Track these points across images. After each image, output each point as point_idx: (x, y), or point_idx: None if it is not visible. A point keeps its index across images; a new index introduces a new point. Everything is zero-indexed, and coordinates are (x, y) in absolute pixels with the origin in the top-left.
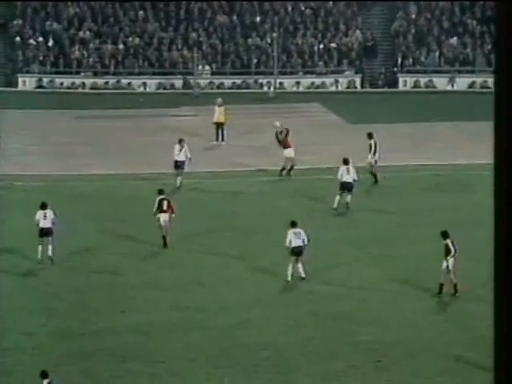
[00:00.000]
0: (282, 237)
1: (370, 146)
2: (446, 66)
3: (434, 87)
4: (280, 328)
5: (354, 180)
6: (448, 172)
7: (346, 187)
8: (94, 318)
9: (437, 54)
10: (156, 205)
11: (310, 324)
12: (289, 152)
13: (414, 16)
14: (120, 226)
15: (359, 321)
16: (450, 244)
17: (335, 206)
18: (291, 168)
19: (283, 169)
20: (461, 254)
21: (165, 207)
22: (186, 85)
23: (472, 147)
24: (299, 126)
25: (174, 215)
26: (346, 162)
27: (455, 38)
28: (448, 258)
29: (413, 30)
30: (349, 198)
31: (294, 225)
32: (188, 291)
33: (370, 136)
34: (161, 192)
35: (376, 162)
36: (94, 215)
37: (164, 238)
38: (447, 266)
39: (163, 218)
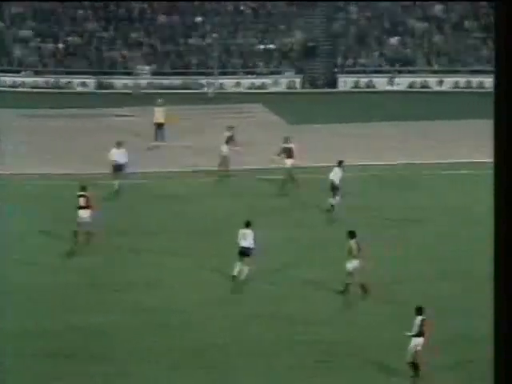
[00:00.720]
0: (230, 237)
1: (288, 149)
2: (387, 65)
3: (374, 87)
4: (225, 328)
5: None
6: (388, 172)
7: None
8: (43, 317)
9: (377, 54)
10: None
11: (254, 324)
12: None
13: (354, 16)
14: (60, 227)
15: (302, 321)
16: (356, 244)
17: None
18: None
19: None
20: (391, 253)
21: (82, 203)
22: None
23: (412, 147)
24: (240, 127)
25: (92, 211)
26: (339, 163)
27: (396, 38)
28: (353, 257)
29: (353, 31)
30: (336, 199)
31: (246, 225)
32: (137, 292)
33: (286, 140)
34: (82, 189)
35: (293, 165)
36: (32, 215)
37: (75, 232)
38: (352, 267)
39: (80, 214)
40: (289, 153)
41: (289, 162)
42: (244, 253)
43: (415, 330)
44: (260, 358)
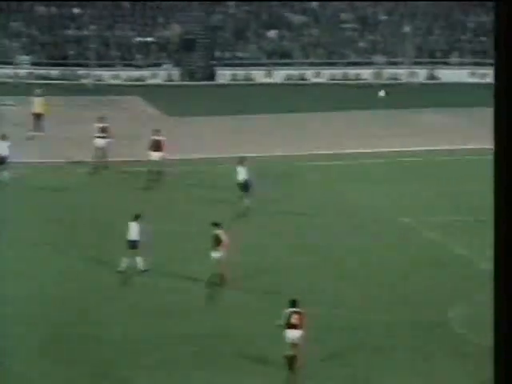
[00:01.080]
0: (114, 229)
1: (157, 142)
2: (264, 58)
3: (252, 80)
4: (104, 321)
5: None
6: (267, 163)
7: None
8: None
9: (255, 47)
10: None
11: (134, 317)
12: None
13: (232, 10)
14: None
15: (178, 314)
16: (221, 235)
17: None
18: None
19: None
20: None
21: None
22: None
23: (291, 139)
24: (118, 119)
25: None
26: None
27: (273, 31)
28: (218, 248)
29: (231, 24)
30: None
31: (134, 218)
32: (16, 282)
33: (155, 133)
34: None
35: (163, 157)
36: None
37: None
38: (218, 256)
39: None
40: (158, 146)
41: (157, 155)
42: (132, 246)
43: (284, 321)
44: (137, 351)
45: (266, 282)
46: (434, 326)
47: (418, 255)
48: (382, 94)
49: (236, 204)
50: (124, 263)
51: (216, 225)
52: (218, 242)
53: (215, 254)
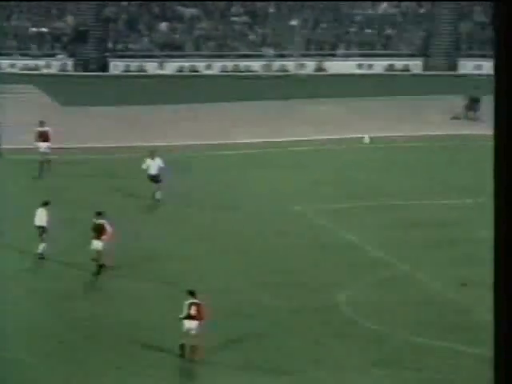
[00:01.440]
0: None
1: (43, 132)
2: (157, 50)
3: (145, 71)
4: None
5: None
6: (162, 153)
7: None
8: None
9: (147, 39)
10: None
11: (31, 301)
12: None
13: (125, 2)
14: None
15: (72, 298)
16: (106, 224)
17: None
18: None
19: None
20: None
21: None
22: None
23: (184, 129)
24: (13, 107)
25: None
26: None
27: (165, 24)
28: (102, 237)
29: (124, 16)
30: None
31: (43, 205)
32: None
33: (41, 124)
34: None
35: (49, 148)
36: None
37: None
38: (98, 246)
39: None
40: (44, 136)
41: (44, 146)
42: (40, 232)
43: (184, 312)
44: (31, 333)
45: (157, 270)
46: (323, 309)
47: (308, 241)
48: (366, 140)
49: (135, 192)
50: (41, 247)
51: (99, 214)
52: (100, 231)
53: (96, 244)
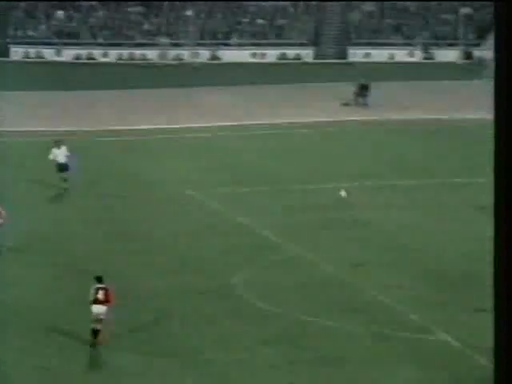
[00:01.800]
0: None
1: None
2: (54, 38)
3: (43, 58)
4: None
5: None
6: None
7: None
8: None
9: (45, 26)
10: None
11: None
12: None
13: None
14: None
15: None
16: None
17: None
18: None
19: None
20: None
21: None
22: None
23: (83, 115)
24: None
25: None
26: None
27: (61, 12)
28: None
29: (23, 3)
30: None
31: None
32: None
33: None
34: None
35: None
36: None
37: None
38: None
39: None
40: None
41: None
42: None
43: (91, 297)
44: None
45: (62, 252)
46: (218, 291)
47: (203, 225)
48: (343, 194)
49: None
50: None
51: None
52: None
53: None
